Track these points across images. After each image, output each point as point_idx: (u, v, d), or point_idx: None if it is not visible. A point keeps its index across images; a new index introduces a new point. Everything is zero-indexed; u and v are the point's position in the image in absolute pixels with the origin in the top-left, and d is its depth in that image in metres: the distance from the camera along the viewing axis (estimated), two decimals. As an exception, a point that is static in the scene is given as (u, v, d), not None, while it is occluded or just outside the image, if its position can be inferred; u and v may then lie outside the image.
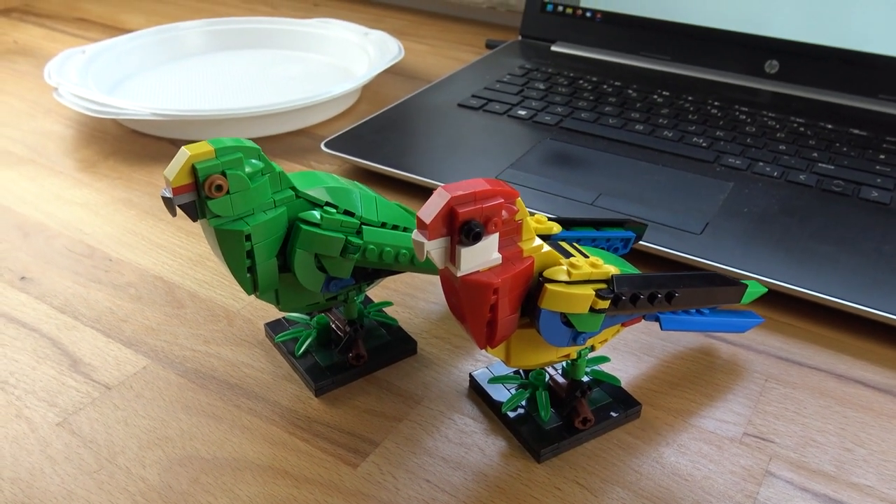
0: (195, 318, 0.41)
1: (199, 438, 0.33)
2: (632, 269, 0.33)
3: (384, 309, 0.41)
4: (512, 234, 0.27)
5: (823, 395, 0.36)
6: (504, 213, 0.26)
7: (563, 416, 0.33)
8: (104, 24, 0.91)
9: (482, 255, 0.26)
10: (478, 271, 0.27)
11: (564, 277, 0.28)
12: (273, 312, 0.41)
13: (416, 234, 0.26)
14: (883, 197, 0.48)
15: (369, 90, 0.71)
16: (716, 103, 0.63)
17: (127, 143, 0.60)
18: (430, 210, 0.25)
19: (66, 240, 0.47)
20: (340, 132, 0.57)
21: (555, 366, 0.35)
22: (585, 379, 0.35)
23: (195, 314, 0.41)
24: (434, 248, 0.26)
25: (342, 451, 0.33)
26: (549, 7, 0.77)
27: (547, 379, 0.35)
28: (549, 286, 0.27)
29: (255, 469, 0.32)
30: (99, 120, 0.64)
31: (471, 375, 0.36)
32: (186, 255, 0.46)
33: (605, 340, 0.32)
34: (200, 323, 0.40)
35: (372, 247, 0.32)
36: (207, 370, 0.37)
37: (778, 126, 0.59)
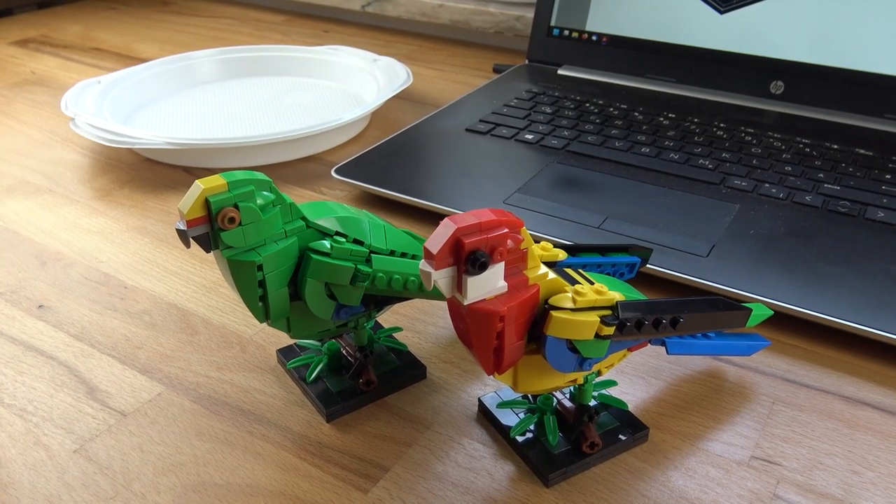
0: (209, 345, 0.41)
1: (213, 464, 0.34)
2: (637, 295, 0.33)
3: (394, 334, 0.41)
4: (517, 263, 0.28)
5: (831, 417, 0.36)
6: (509, 242, 0.27)
7: (572, 441, 0.34)
8: (119, 53, 0.93)
9: (488, 284, 0.27)
10: (484, 299, 0.27)
11: (569, 304, 0.28)
12: (285, 339, 0.42)
13: (423, 265, 0.26)
14: (890, 217, 0.49)
15: (379, 115, 0.72)
16: (721, 125, 0.63)
17: (142, 172, 0.61)
18: (436, 241, 0.26)
19: (82, 268, 0.48)
20: (350, 158, 0.58)
21: (562, 390, 0.35)
22: (593, 403, 0.35)
23: (209, 341, 0.42)
24: (441, 278, 0.26)
25: (353, 477, 0.33)
26: (556, 31, 0.78)
27: (555, 403, 0.35)
28: (554, 313, 0.28)
29: (267, 495, 0.32)
30: (114, 149, 0.66)
31: (479, 400, 0.36)
32: (200, 282, 0.47)
33: (612, 365, 0.33)
34: (214, 349, 0.41)
35: (381, 275, 0.33)
36: (220, 396, 0.38)
37: (784, 147, 0.59)
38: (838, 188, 0.53)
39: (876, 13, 0.62)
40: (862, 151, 0.58)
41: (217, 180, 0.29)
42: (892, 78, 0.62)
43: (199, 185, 0.29)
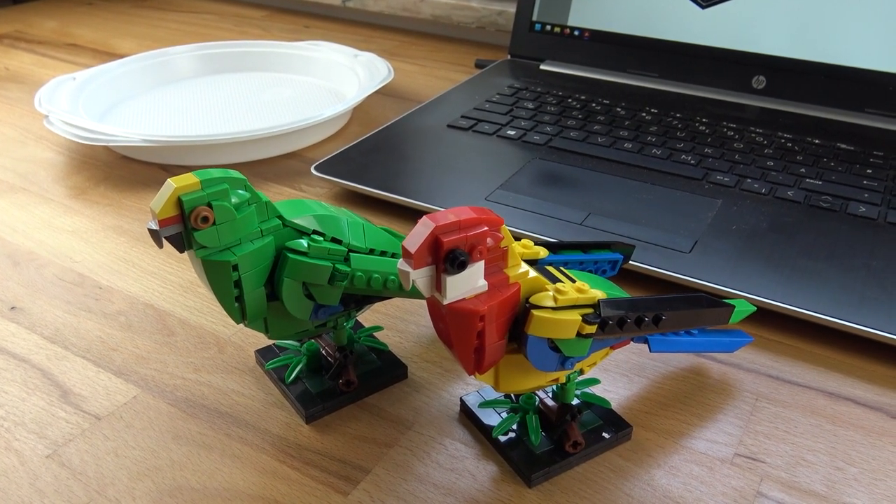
0: (185, 346, 0.41)
1: (190, 468, 0.33)
2: (620, 292, 0.33)
3: (374, 334, 0.41)
4: (497, 261, 0.27)
5: (814, 413, 0.36)
6: (489, 240, 0.26)
7: (554, 440, 0.33)
8: (95, 49, 0.91)
9: (468, 283, 0.26)
10: (464, 299, 0.27)
11: (551, 303, 0.28)
12: (264, 339, 0.41)
13: (401, 264, 0.26)
14: (870, 212, 0.49)
15: (360, 111, 0.72)
16: (703, 120, 0.63)
17: (118, 169, 0.60)
18: (414, 239, 0.25)
19: (56, 268, 0.47)
20: (330, 155, 0.58)
21: (545, 389, 0.35)
22: (575, 402, 0.35)
23: (185, 342, 0.41)
24: (420, 277, 0.26)
25: (333, 479, 0.33)
26: (538, 26, 0.77)
27: (537, 402, 0.35)
28: (535, 312, 0.27)
29: (245, 499, 0.32)
30: (89, 146, 0.64)
31: (461, 400, 0.36)
32: (177, 281, 0.46)
33: (595, 363, 0.33)
34: (191, 350, 0.40)
35: (360, 274, 0.32)
36: (198, 398, 0.37)
37: (765, 142, 0.59)
38: (820, 183, 0.53)
39: (856, 8, 0.63)
40: (843, 146, 0.58)
41: (190, 179, 0.28)
42: (873, 72, 0.63)
43: (172, 184, 0.28)
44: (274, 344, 0.39)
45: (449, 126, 0.63)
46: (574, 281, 0.30)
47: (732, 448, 0.34)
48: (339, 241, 0.32)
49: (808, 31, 0.65)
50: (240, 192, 0.30)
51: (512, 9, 0.88)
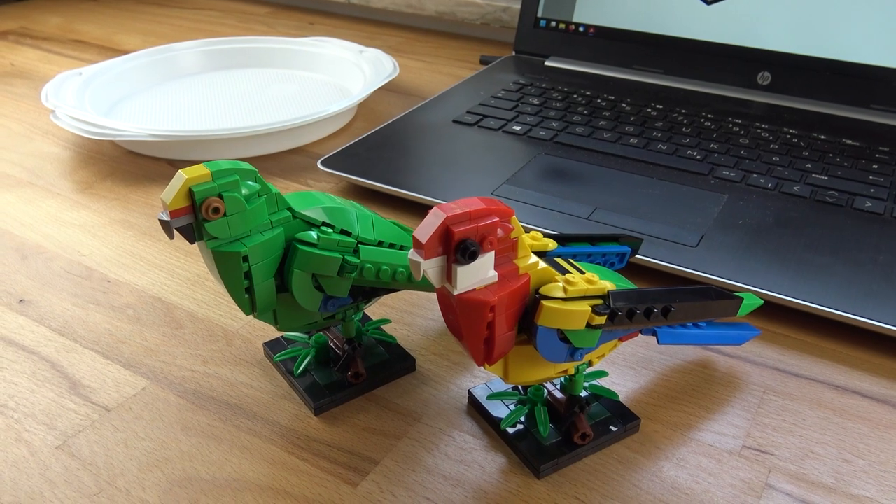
0: (194, 339, 0.41)
1: (199, 459, 0.33)
2: (628, 284, 0.33)
3: (382, 326, 0.41)
4: (507, 252, 0.27)
5: (821, 406, 0.36)
6: (499, 231, 0.27)
7: (563, 432, 0.33)
8: (100, 45, 0.91)
9: (478, 274, 0.26)
10: (474, 289, 0.27)
11: (560, 294, 0.28)
12: (272, 332, 0.41)
13: (412, 254, 0.26)
14: (877, 207, 0.49)
15: (365, 107, 0.72)
16: (709, 116, 0.63)
17: (124, 164, 0.60)
18: (425, 230, 0.25)
19: (64, 262, 0.47)
20: (336, 150, 0.58)
21: (553, 381, 0.35)
22: (584, 394, 0.35)
23: (194, 334, 0.41)
24: (430, 268, 0.26)
25: (342, 470, 0.33)
26: (543, 23, 0.77)
27: (545, 394, 0.35)
28: (545, 303, 0.28)
29: (254, 489, 0.32)
30: (96, 141, 0.65)
31: (469, 392, 0.36)
32: (185, 275, 0.46)
33: (603, 355, 0.33)
34: (199, 343, 0.40)
35: (369, 265, 0.33)
36: (206, 390, 0.37)
37: (771, 137, 0.59)
38: (826, 178, 0.53)
39: (861, 4, 0.62)
40: (849, 142, 0.58)
41: (201, 170, 0.29)
42: (878, 68, 0.63)
43: (183, 175, 0.28)
44: (282, 336, 0.40)
45: (454, 122, 0.63)
46: (583, 272, 0.30)
47: (740, 440, 0.34)
48: (348, 233, 0.33)
49: (813, 27, 0.65)
50: (250, 183, 0.30)
51: (517, 5, 0.88)
